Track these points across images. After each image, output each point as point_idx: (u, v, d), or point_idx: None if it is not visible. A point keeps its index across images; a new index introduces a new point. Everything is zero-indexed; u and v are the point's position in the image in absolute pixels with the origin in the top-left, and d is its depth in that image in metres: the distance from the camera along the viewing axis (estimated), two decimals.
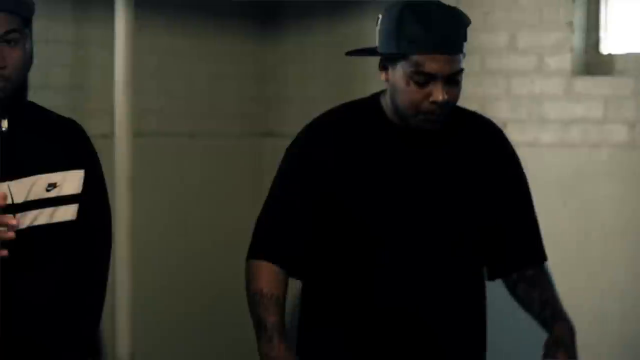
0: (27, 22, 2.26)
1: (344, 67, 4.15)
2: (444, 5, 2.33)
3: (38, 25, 3.38)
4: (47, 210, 2.29)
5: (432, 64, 2.23)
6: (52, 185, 2.30)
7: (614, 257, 3.50)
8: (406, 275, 2.39)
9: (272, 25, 4.60)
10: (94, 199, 2.40)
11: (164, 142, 4.22)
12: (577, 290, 3.41)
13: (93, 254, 2.41)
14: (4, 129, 2.26)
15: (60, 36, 3.79)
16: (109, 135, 3.90)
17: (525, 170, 3.21)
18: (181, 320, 4.26)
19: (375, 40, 2.35)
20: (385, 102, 2.39)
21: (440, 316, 2.42)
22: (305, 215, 2.40)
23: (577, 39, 3.55)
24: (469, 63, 3.62)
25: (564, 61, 3.53)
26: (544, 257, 2.54)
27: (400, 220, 2.37)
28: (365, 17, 4.08)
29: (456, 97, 2.31)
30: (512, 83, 3.59)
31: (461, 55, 2.28)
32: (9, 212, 2.19)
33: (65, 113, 3.81)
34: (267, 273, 2.40)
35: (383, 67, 2.33)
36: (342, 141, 2.42)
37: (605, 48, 3.65)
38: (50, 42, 3.68)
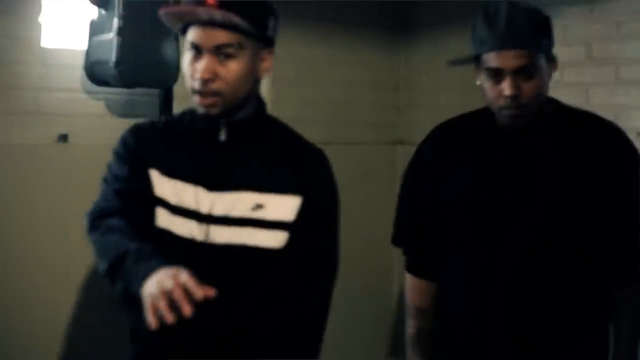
0: (259, 37, 2.19)
1: (474, 77, 4.17)
2: (517, 4, 2.36)
3: None
4: (247, 230, 2.15)
5: (497, 60, 2.31)
6: (259, 206, 2.16)
7: None
8: (506, 275, 2.39)
9: (406, 34, 4.66)
10: (314, 232, 2.21)
11: None
12: None
13: (303, 292, 2.20)
14: (222, 139, 2.21)
15: None
16: None
17: None
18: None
19: None
20: None
21: (537, 317, 2.38)
22: (424, 216, 2.58)
23: None
24: (602, 74, 3.64)
25: None
26: (630, 276, 2.46)
27: (500, 219, 2.40)
28: None
29: (531, 91, 2.33)
30: None
31: (532, 50, 2.31)
32: (204, 222, 2.15)
33: None
34: (410, 284, 2.70)
35: (477, 68, 2.42)
36: (451, 145, 2.54)
37: None
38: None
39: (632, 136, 3.52)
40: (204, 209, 2.16)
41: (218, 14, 2.08)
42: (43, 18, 3.45)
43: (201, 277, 1.95)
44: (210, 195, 2.16)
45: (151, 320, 1.87)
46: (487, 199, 2.42)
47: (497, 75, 2.32)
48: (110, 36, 3.30)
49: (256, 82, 2.23)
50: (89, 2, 3.36)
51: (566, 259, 2.38)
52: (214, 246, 2.15)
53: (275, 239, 2.17)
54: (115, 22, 3.28)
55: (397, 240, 2.70)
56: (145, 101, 3.64)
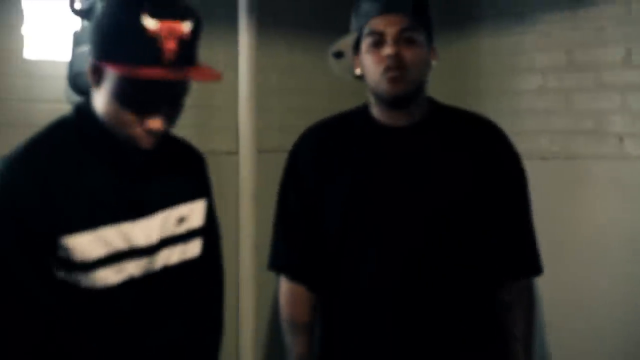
0: None
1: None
2: None
3: None
4: (178, 247, 2.08)
5: (379, 24, 2.37)
6: (182, 219, 2.09)
7: None
8: (391, 278, 2.35)
9: None
10: (214, 231, 2.25)
11: (284, 158, 4.28)
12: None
13: (214, 292, 2.26)
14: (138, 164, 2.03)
15: None
16: (234, 152, 4.05)
17: (637, 184, 3.15)
18: None
19: None
20: (370, 101, 2.48)
21: (431, 317, 2.36)
22: (302, 223, 2.51)
23: None
24: (583, 78, 3.67)
25: None
26: (529, 270, 2.48)
27: (382, 219, 2.37)
28: (481, 34, 4.11)
29: (412, 57, 2.36)
30: (628, 98, 3.56)
31: (413, 21, 2.37)
32: (145, 255, 2.00)
33: (193, 130, 3.98)
34: (290, 296, 2.57)
35: (356, 56, 2.46)
36: (325, 144, 2.52)
37: None
38: None
39: (614, 141, 3.58)
40: (140, 242, 1.98)
41: (189, 80, 1.96)
42: (26, 29, 3.45)
43: (148, 308, 1.99)
44: (138, 226, 1.97)
45: None
46: (372, 204, 2.39)
47: (379, 42, 2.36)
48: None
49: None
50: (72, 13, 3.36)
51: (457, 260, 2.37)
52: (153, 275, 2.02)
53: (198, 247, 2.14)
54: None
55: (276, 263, 2.60)
56: None
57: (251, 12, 3.99)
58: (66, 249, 1.87)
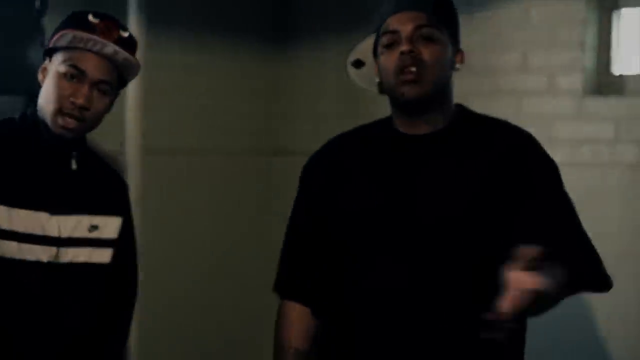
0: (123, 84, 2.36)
1: (354, 84, 4.16)
2: None
3: None
4: (86, 249, 2.37)
5: (393, 23, 2.24)
6: (94, 227, 2.38)
7: (623, 277, 3.48)
8: (399, 297, 2.23)
9: (283, 42, 4.64)
10: (128, 246, 2.49)
11: (173, 159, 4.25)
12: (585, 309, 3.42)
13: (123, 299, 2.51)
14: (73, 168, 2.35)
15: None
16: (120, 152, 3.92)
17: None
18: (189, 335, 4.30)
19: None
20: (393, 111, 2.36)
21: (440, 334, 2.22)
22: (314, 243, 2.37)
23: (588, 59, 3.56)
24: (480, 83, 3.67)
25: (575, 81, 3.53)
26: (603, 283, 2.30)
27: (386, 231, 2.25)
28: None
29: (430, 55, 2.22)
30: (523, 103, 3.59)
31: (431, 17, 2.24)
32: (54, 245, 2.30)
33: None
34: (290, 320, 2.38)
35: (375, 57, 2.32)
36: (340, 157, 2.38)
37: (617, 68, 3.65)
38: None
39: None
40: (52, 233, 2.30)
41: (121, 53, 2.25)
42: None
43: (51, 294, 2.30)
44: (53, 219, 2.30)
45: None
46: (377, 214, 2.26)
47: (394, 43, 2.23)
48: None
49: None
50: None
51: (468, 274, 2.23)
52: (60, 265, 2.32)
53: (106, 255, 2.41)
54: None
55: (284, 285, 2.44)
56: (10, 108, 3.51)
57: (141, 9, 3.90)
58: None
